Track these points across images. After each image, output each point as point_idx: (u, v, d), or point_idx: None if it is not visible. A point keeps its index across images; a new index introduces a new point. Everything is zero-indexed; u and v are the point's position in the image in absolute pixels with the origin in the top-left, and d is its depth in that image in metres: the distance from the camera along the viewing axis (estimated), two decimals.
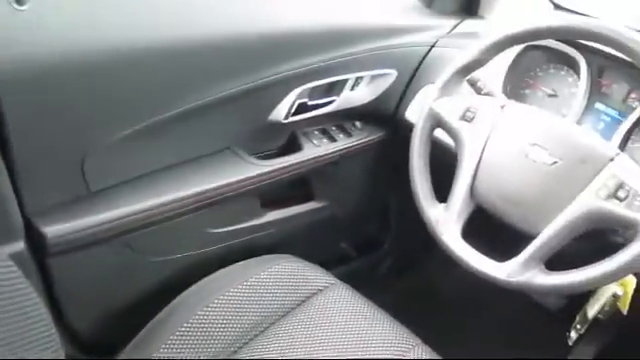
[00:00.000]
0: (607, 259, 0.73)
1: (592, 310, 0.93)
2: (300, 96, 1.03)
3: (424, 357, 0.87)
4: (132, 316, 0.91)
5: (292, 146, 1.10)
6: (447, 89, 0.89)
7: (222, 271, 0.97)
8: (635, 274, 0.86)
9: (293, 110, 1.04)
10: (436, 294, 1.55)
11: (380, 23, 1.10)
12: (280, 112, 1.02)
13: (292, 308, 0.93)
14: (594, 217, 0.75)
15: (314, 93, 1.06)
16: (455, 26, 1.21)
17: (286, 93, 1.01)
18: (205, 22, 0.87)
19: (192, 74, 0.87)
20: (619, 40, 0.75)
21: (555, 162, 0.78)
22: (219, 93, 0.90)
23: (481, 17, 1.26)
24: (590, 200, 0.75)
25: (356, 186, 1.29)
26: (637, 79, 0.94)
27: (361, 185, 1.30)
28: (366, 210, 1.37)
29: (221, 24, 0.88)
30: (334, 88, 1.09)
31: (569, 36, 0.88)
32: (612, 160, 0.76)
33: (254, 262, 1.00)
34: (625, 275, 0.77)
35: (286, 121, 1.04)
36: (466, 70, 0.88)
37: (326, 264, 1.08)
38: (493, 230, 0.86)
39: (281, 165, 1.04)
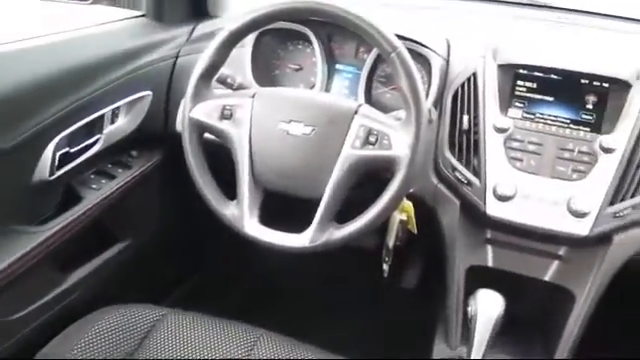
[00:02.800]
0: (381, 196, 0.84)
1: (390, 241, 1.05)
2: (59, 147, 0.97)
3: (270, 344, 0.90)
4: None
5: (71, 199, 1.05)
6: (199, 96, 0.91)
7: (42, 351, 0.90)
8: (409, 199, 0.99)
9: (57, 163, 0.98)
10: (271, 282, 1.61)
11: (115, 50, 1.08)
12: (43, 170, 0.95)
13: (131, 354, 0.90)
14: (358, 166, 0.85)
15: (74, 139, 1.01)
16: (192, 32, 1.23)
17: (42, 148, 0.95)
18: None
19: None
20: (323, 10, 0.84)
21: (313, 130, 0.86)
22: None
23: (215, 16, 1.30)
24: (349, 153, 0.84)
25: (154, 213, 1.27)
26: (358, 36, 1.07)
27: (159, 210, 1.28)
28: (176, 231, 1.36)
29: None
30: (94, 127, 1.05)
31: (284, 18, 0.96)
32: (356, 112, 0.86)
33: (75, 328, 0.94)
34: (399, 202, 0.89)
35: (53, 177, 0.97)
36: (208, 73, 0.91)
37: (157, 297, 1.05)
38: (289, 208, 0.92)
39: (65, 223, 0.99)
